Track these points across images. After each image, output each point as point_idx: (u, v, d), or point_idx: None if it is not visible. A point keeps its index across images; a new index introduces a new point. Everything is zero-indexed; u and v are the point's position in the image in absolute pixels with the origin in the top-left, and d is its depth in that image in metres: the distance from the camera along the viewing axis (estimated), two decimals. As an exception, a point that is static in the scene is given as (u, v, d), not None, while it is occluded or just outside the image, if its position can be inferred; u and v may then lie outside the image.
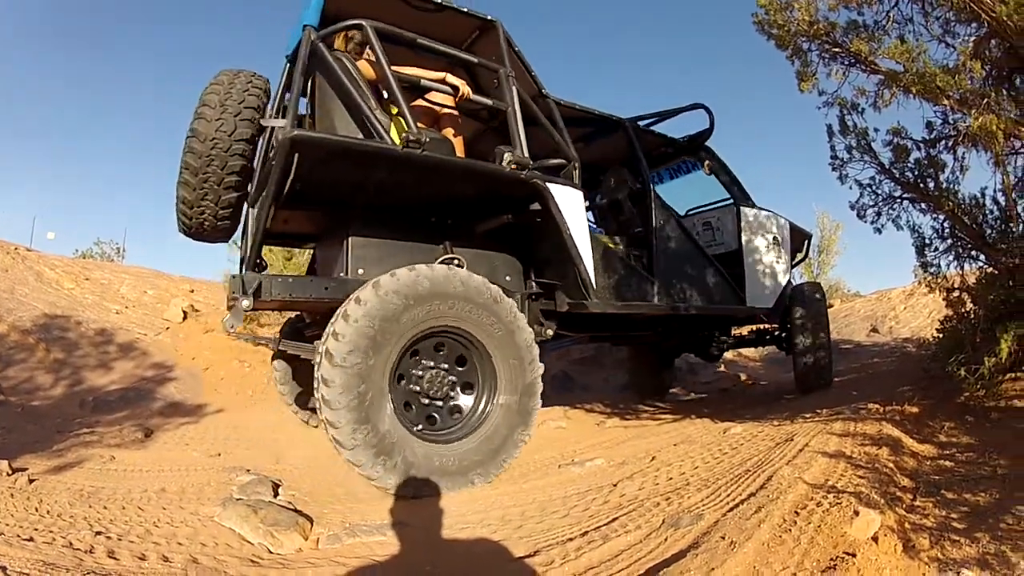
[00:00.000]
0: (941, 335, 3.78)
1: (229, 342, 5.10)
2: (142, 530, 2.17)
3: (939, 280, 3.76)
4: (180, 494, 2.66)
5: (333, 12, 3.09)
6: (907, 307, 10.19)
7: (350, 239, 3.24)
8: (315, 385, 2.66)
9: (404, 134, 2.85)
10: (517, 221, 3.45)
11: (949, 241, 3.71)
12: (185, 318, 5.28)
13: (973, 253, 3.67)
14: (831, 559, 1.82)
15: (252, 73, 3.29)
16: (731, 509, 2.13)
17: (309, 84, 3.21)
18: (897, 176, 3.71)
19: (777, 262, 5.03)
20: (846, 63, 3.08)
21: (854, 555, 1.81)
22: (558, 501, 2.53)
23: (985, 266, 3.73)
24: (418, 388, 2.96)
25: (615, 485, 2.65)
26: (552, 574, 1.83)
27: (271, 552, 2.14)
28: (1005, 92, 3.47)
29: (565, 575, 1.83)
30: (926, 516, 2.18)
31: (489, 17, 3.51)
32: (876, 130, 3.80)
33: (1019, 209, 3.59)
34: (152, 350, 4.78)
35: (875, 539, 1.92)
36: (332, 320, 2.69)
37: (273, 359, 4.12)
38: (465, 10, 3.44)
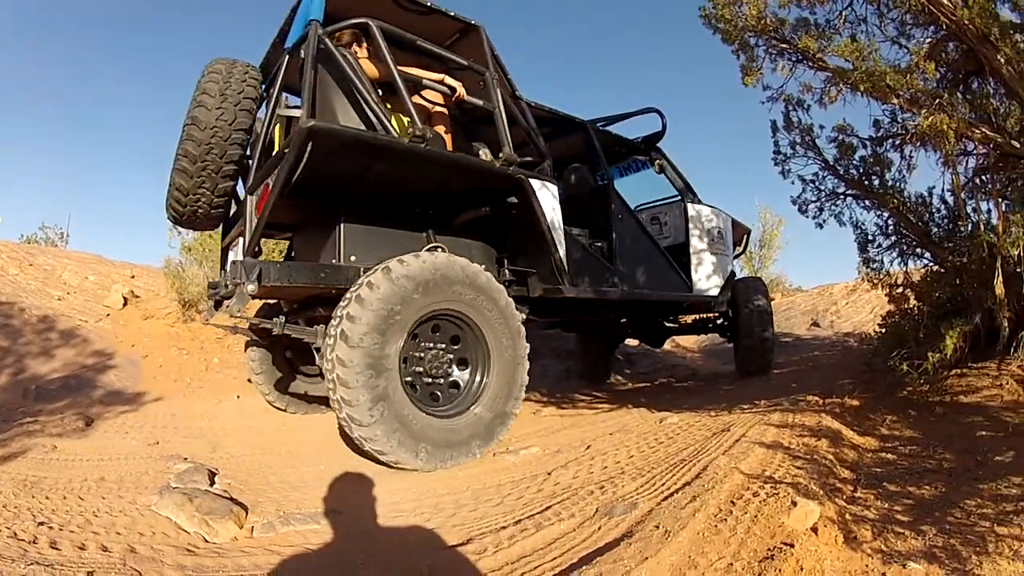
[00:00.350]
0: (884, 330, 3.83)
1: (167, 329, 5.06)
2: (82, 520, 2.17)
3: (882, 276, 3.83)
4: (119, 483, 2.63)
5: (331, 9, 3.16)
6: (849, 303, 10.21)
7: (343, 227, 3.36)
8: (351, 293, 2.84)
9: (411, 129, 3.03)
10: (494, 213, 3.68)
11: (893, 238, 3.78)
12: (125, 304, 5.19)
13: (918, 251, 3.74)
14: (769, 549, 1.81)
15: (247, 64, 3.34)
16: (666, 498, 2.12)
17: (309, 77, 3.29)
18: (841, 173, 3.77)
19: (721, 255, 5.42)
20: (793, 59, 3.09)
21: (792, 545, 1.79)
22: (492, 489, 2.53)
23: (931, 264, 3.80)
24: (421, 355, 3.17)
25: (549, 474, 2.65)
26: (484, 562, 1.82)
27: (207, 541, 2.13)
28: (960, 95, 3.53)
29: (497, 564, 1.81)
30: (868, 508, 2.17)
31: (473, 21, 3.69)
32: (821, 127, 3.88)
33: (968, 209, 3.64)
34: (93, 337, 4.69)
35: (814, 530, 1.91)
36: (399, 259, 2.97)
37: (247, 347, 4.14)
38: (452, 13, 3.59)
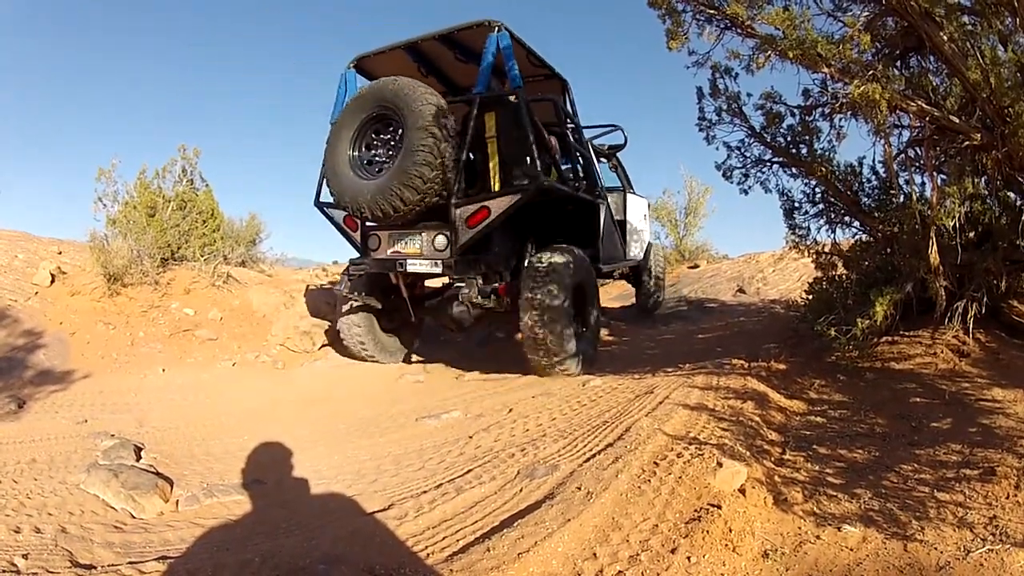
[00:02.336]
0: (810, 296, 3.89)
1: (93, 304, 5.02)
2: (17, 503, 2.15)
3: (809, 243, 3.90)
4: (49, 463, 2.59)
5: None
6: (776, 270, 10.11)
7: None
8: (542, 267, 4.14)
9: (575, 184, 4.85)
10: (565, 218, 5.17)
11: (820, 206, 3.85)
12: (53, 281, 5.06)
13: (846, 219, 3.80)
14: (695, 511, 1.81)
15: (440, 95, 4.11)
16: (588, 460, 2.13)
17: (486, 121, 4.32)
18: (768, 140, 3.84)
19: (645, 231, 7.54)
20: (721, 26, 3.08)
21: (720, 507, 1.80)
22: (413, 454, 2.54)
23: (859, 233, 3.88)
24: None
25: (471, 437, 2.67)
26: (406, 527, 1.81)
27: (134, 517, 2.12)
28: (896, 70, 3.55)
29: (419, 528, 1.81)
30: (798, 470, 2.18)
31: (565, 78, 5.09)
32: (749, 95, 3.95)
33: (901, 180, 3.70)
34: (23, 317, 4.58)
35: (742, 491, 1.92)
36: (566, 247, 4.46)
37: (355, 312, 4.97)
38: (557, 71, 5.00)
